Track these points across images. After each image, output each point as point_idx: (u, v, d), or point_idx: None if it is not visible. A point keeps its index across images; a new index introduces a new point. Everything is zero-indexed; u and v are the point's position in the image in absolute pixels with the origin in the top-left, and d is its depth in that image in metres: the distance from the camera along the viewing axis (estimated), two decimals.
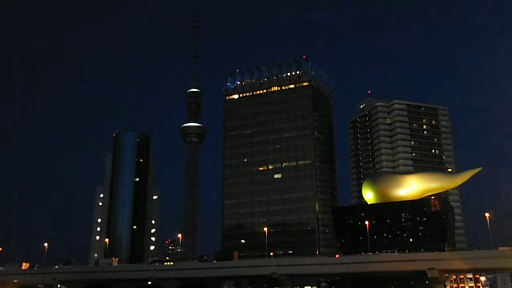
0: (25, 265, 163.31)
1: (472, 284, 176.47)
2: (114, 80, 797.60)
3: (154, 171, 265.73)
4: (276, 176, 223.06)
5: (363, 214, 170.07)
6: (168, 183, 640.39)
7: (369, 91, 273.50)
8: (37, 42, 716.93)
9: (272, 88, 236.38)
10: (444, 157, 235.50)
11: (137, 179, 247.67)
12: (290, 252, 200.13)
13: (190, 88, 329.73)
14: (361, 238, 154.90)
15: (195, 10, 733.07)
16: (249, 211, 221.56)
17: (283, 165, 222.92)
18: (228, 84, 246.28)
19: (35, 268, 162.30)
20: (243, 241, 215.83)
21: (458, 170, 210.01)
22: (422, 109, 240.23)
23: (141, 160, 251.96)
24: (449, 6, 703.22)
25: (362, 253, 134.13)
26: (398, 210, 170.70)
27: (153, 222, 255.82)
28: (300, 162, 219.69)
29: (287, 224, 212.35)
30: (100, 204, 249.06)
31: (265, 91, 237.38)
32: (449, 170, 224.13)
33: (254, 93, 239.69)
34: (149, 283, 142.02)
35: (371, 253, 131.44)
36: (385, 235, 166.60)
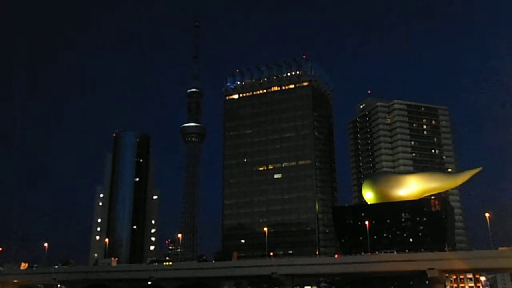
0: (23, 265, 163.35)
1: (472, 284, 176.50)
2: (114, 80, 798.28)
3: (154, 171, 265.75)
4: (276, 176, 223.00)
5: (363, 214, 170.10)
6: (168, 183, 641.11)
7: (369, 91, 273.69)
8: (37, 42, 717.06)
9: (272, 88, 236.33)
10: (444, 157, 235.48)
11: (137, 179, 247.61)
12: (290, 252, 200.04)
13: (190, 88, 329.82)
14: (361, 238, 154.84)
15: (195, 10, 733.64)
16: (249, 211, 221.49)
17: (283, 165, 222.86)
18: (228, 84, 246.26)
19: (34, 268, 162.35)
20: (243, 241, 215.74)
21: (458, 170, 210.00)
22: (422, 109, 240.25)
23: (141, 160, 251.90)
24: (449, 6, 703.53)
25: (362, 253, 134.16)
26: (398, 210, 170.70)
27: (153, 222, 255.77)
28: (300, 162, 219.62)
29: (287, 224, 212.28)
30: (100, 204, 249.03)
31: (265, 91, 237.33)
32: (449, 170, 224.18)
33: (254, 93, 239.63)
34: (149, 283, 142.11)
35: (369, 253, 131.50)
36: (385, 235, 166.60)
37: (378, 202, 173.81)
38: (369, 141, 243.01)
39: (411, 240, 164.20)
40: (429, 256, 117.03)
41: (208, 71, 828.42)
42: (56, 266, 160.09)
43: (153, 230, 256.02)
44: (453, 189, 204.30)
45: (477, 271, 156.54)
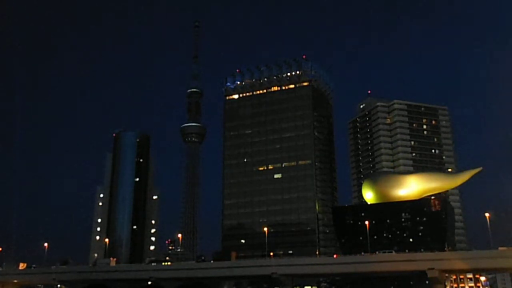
0: (22, 265, 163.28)
1: (472, 284, 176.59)
2: (114, 80, 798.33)
3: (154, 171, 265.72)
4: (276, 176, 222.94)
5: (363, 214, 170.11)
6: (168, 183, 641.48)
7: (369, 91, 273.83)
8: (37, 42, 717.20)
9: (272, 88, 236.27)
10: (444, 157, 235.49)
11: (137, 179, 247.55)
12: (290, 252, 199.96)
13: (190, 88, 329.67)
14: (361, 238, 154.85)
15: (195, 10, 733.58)
16: (249, 211, 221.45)
17: (283, 165, 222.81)
18: (228, 84, 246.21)
19: (32, 268, 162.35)
20: (243, 241, 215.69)
21: (458, 170, 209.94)
22: (422, 109, 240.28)
23: (141, 160, 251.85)
24: (449, 6, 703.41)
25: (362, 253, 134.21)
26: (398, 210, 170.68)
27: (153, 222, 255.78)
28: (300, 162, 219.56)
29: (287, 224, 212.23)
30: (100, 204, 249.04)
31: (265, 91, 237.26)
32: (449, 170, 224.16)
33: (254, 93, 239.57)
34: (149, 283, 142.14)
35: (369, 253, 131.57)
36: (385, 235, 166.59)
37: (378, 202, 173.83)
38: (369, 141, 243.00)
39: (411, 240, 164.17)
40: (429, 256, 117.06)
41: (208, 71, 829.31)
42: (54, 266, 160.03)
43: (153, 230, 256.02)
44: (453, 189, 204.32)
45: (477, 271, 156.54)
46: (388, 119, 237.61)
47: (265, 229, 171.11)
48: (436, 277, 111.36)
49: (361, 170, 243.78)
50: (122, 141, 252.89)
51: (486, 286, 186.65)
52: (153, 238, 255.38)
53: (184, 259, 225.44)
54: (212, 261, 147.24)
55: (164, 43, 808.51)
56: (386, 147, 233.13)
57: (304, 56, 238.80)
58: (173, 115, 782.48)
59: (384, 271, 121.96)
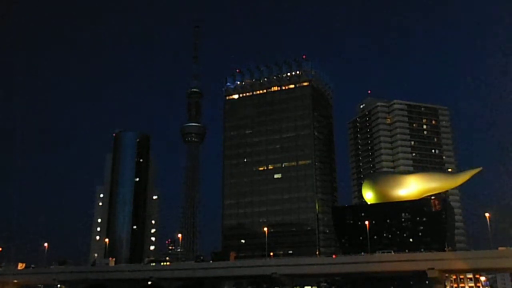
0: (21, 265, 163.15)
1: (472, 284, 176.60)
2: (114, 80, 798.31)
3: (154, 171, 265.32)
4: (276, 176, 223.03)
5: (363, 214, 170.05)
6: (168, 183, 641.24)
7: (369, 91, 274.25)
8: (37, 42, 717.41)
9: (272, 88, 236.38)
10: (444, 157, 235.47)
11: (137, 179, 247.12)
12: (290, 252, 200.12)
13: (190, 88, 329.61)
14: (361, 238, 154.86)
15: (195, 10, 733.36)
16: (249, 211, 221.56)
17: (283, 165, 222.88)
18: (228, 84, 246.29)
19: (31, 268, 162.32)
20: (243, 241, 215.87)
21: (458, 170, 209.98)
22: (422, 109, 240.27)
23: (141, 160, 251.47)
24: (449, 6, 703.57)
25: (362, 253, 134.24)
26: (398, 210, 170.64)
27: (153, 222, 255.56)
28: (300, 162, 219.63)
29: (287, 224, 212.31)
30: (100, 204, 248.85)
31: (265, 91, 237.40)
32: (449, 170, 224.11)
33: (254, 93, 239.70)
34: (149, 283, 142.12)
35: (367, 254, 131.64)
36: (385, 235, 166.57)
37: (378, 202, 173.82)
38: (369, 141, 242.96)
39: (411, 240, 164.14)
40: (429, 256, 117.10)
41: (208, 71, 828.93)
42: (53, 266, 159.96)
43: (153, 230, 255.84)
44: (453, 189, 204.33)
45: (477, 271, 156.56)
46: (388, 119, 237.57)
47: (265, 229, 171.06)
48: (436, 277, 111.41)
49: (361, 170, 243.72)
50: (122, 141, 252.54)
51: (486, 286, 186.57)
52: (153, 238, 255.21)
53: (184, 259, 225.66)
54: (211, 261, 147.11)
55: (164, 43, 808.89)
56: (386, 147, 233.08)
57: (304, 56, 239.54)
58: (173, 115, 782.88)
59: (384, 271, 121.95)
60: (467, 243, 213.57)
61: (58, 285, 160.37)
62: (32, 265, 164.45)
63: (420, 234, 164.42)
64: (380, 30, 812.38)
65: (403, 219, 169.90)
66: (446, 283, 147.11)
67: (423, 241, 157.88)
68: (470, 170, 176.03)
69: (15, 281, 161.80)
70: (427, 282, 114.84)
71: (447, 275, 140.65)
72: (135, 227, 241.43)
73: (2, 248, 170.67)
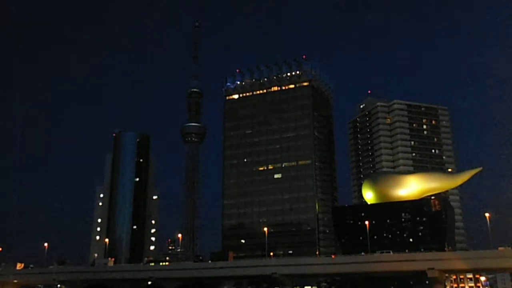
0: (19, 266, 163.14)
1: (472, 284, 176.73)
2: (114, 80, 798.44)
3: (154, 171, 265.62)
4: (276, 176, 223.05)
5: (363, 214, 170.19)
6: (168, 183, 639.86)
7: (369, 91, 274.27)
8: (37, 42, 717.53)
9: (272, 88, 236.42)
10: (444, 157, 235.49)
11: (137, 179, 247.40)
12: (290, 252, 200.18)
13: (190, 88, 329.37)
14: (361, 238, 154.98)
15: (195, 10, 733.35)
16: (249, 211, 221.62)
17: (283, 165, 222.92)
18: (228, 84, 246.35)
19: (29, 268, 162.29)
20: (243, 241, 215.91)
21: (458, 170, 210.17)
22: (422, 109, 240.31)
23: (141, 160, 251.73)
24: (449, 6, 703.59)
25: (362, 253, 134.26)
26: (398, 210, 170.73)
27: (153, 222, 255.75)
28: (300, 162, 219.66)
29: (287, 224, 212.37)
30: (100, 204, 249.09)
31: (265, 91, 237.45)
32: (449, 170, 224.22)
33: (254, 93, 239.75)
34: (149, 283, 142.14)
35: (367, 254, 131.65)
36: (385, 235, 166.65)
37: (378, 202, 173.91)
38: (369, 141, 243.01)
39: (411, 240, 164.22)
40: (429, 256, 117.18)
41: (208, 71, 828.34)
42: (52, 266, 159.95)
43: (153, 230, 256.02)
44: (453, 189, 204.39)
45: (477, 271, 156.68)
46: (388, 119, 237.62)
47: (265, 229, 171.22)
48: (436, 277, 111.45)
49: (361, 170, 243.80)
50: (122, 141, 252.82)
51: (486, 286, 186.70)
52: (153, 238, 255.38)
53: (184, 259, 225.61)
54: (209, 261, 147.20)
55: (164, 43, 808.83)
56: (386, 147, 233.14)
57: (304, 56, 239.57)
58: (173, 115, 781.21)
59: (384, 271, 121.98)
60: (467, 243, 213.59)
61: (58, 285, 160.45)
62: (31, 265, 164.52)
63: (420, 234, 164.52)
64: (380, 30, 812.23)
65: (403, 219, 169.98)
66: (446, 283, 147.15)
67: (423, 241, 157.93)
68: (470, 170, 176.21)
69: (15, 281, 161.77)
70: (427, 282, 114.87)
71: (447, 275, 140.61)
72: (135, 227, 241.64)
73: (2, 248, 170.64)
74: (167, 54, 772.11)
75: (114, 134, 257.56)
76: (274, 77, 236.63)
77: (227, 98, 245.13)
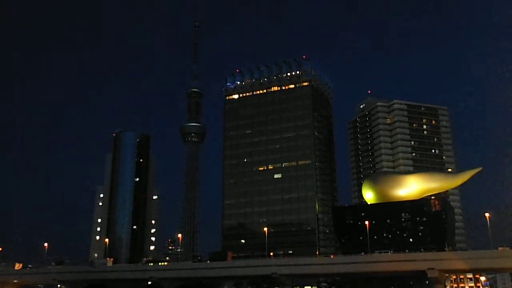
0: (18, 266, 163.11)
1: (472, 284, 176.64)
2: (114, 80, 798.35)
3: (154, 171, 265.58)
4: (276, 176, 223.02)
5: (363, 214, 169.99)
6: (168, 183, 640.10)
7: (369, 91, 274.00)
8: (37, 42, 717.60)
9: (272, 88, 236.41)
10: (444, 157, 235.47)
11: (137, 179, 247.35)
12: (290, 252, 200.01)
13: (190, 88, 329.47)
14: (361, 238, 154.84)
15: (195, 10, 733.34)
16: (249, 211, 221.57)
17: (283, 165, 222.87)
18: (228, 84, 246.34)
19: (28, 268, 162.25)
20: (243, 241, 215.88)
21: (458, 170, 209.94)
22: (422, 109, 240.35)
23: (141, 160, 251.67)
24: (449, 6, 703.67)
25: (362, 253, 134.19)
26: (398, 210, 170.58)
27: (153, 222, 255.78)
28: (300, 162, 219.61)
29: (287, 224, 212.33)
30: (100, 204, 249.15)
31: (265, 91, 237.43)
32: (449, 170, 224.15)
33: (254, 93, 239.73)
34: (149, 283, 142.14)
35: (367, 254, 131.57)
36: (385, 235, 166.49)
37: (378, 202, 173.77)
38: (369, 141, 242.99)
39: (411, 240, 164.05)
40: (429, 256, 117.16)
41: (208, 71, 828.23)
42: (50, 266, 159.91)
43: (153, 230, 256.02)
44: (453, 189, 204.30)
45: (477, 271, 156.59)
46: (388, 119, 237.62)
47: (265, 229, 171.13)
48: (436, 277, 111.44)
49: (361, 170, 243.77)
50: (122, 141, 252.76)
51: (486, 286, 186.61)
52: (153, 238, 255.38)
53: (184, 259, 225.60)
54: (208, 261, 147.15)
55: (164, 43, 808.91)
56: (386, 147, 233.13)
57: (304, 56, 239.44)
58: (173, 115, 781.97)
59: (384, 271, 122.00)
60: (467, 243, 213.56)
61: (58, 285, 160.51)
62: (30, 265, 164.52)
63: (420, 234, 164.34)
64: (380, 30, 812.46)
65: (403, 219, 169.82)
66: (446, 283, 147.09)
67: (423, 241, 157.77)
68: (470, 170, 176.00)
69: (15, 281, 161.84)
70: (427, 282, 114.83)
71: (447, 275, 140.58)
72: (135, 227, 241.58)
73: (2, 248, 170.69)
74: (167, 54, 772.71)
75: (114, 134, 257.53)
76: (274, 77, 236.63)
77: (227, 98, 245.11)
